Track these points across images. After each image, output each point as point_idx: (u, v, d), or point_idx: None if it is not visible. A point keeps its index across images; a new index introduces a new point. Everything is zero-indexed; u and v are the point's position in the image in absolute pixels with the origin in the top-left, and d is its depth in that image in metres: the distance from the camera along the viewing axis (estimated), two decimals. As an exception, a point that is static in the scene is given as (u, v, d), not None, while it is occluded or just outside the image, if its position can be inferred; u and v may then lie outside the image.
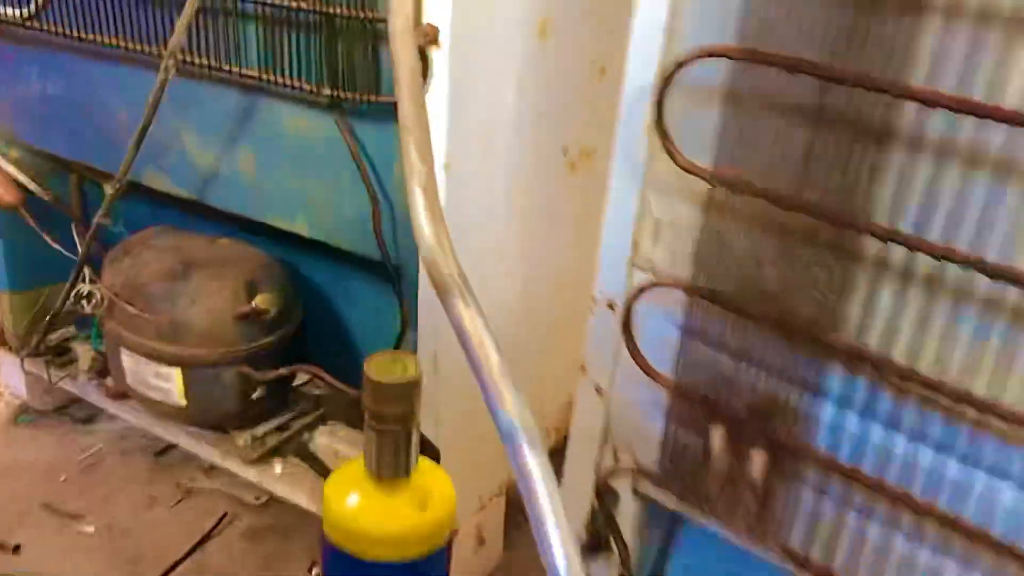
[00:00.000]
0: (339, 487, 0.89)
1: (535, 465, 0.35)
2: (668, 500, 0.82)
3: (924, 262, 0.63)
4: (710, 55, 0.66)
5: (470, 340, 0.36)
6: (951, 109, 0.59)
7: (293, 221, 1.22)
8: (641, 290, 0.76)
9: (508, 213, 1.19)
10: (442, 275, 0.38)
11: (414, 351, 1.17)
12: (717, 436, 0.74)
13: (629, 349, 0.78)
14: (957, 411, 0.64)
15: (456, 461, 1.19)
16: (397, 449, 0.85)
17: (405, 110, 0.47)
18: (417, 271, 1.13)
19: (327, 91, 1.05)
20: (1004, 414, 0.61)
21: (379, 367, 0.84)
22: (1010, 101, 0.57)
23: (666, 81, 0.69)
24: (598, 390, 0.86)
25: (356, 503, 0.87)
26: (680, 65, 0.68)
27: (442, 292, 0.38)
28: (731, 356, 0.73)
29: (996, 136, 0.59)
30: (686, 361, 0.76)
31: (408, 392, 0.83)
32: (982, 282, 0.61)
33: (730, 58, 0.66)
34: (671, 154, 0.70)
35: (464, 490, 1.32)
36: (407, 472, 0.86)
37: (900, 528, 0.68)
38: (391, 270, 1.14)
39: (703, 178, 0.69)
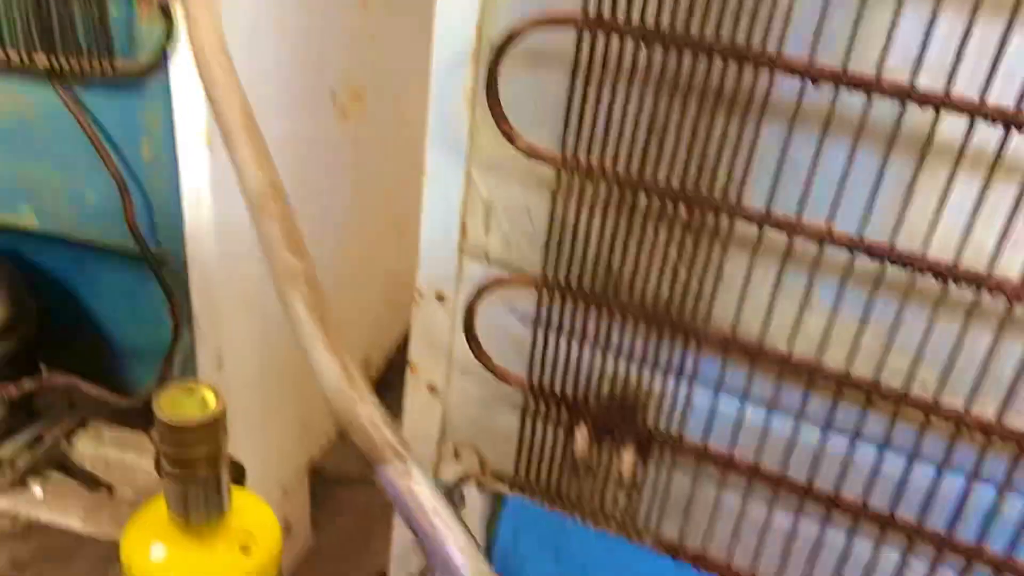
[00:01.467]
0: (140, 539, 0.75)
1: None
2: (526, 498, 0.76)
3: (777, 238, 0.59)
4: (551, 22, 0.57)
5: (426, 518, 0.26)
6: (803, 75, 0.54)
7: (17, 213, 1.01)
8: (482, 289, 0.67)
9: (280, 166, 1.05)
10: (372, 442, 0.28)
11: (193, 354, 1.02)
12: (580, 435, 0.68)
13: (472, 349, 0.70)
14: (820, 384, 0.61)
15: (252, 457, 1.08)
16: (207, 494, 0.73)
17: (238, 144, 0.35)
18: (183, 259, 0.98)
19: (42, 58, 0.86)
20: (860, 383, 0.60)
21: (172, 405, 0.70)
22: (865, 67, 0.54)
23: (499, 52, 0.59)
24: (431, 388, 0.77)
25: (165, 557, 0.74)
26: (512, 37, 0.59)
27: (374, 459, 0.28)
28: (587, 347, 0.67)
29: (852, 103, 0.55)
30: (537, 355, 0.69)
31: (214, 432, 0.71)
32: (836, 254, 0.58)
33: (574, 27, 0.57)
34: (510, 137, 0.61)
35: (265, 483, 1.22)
36: (221, 513, 0.75)
37: (780, 507, 0.67)
38: (151, 264, 0.98)
39: (547, 161, 0.61)
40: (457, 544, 0.27)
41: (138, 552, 0.74)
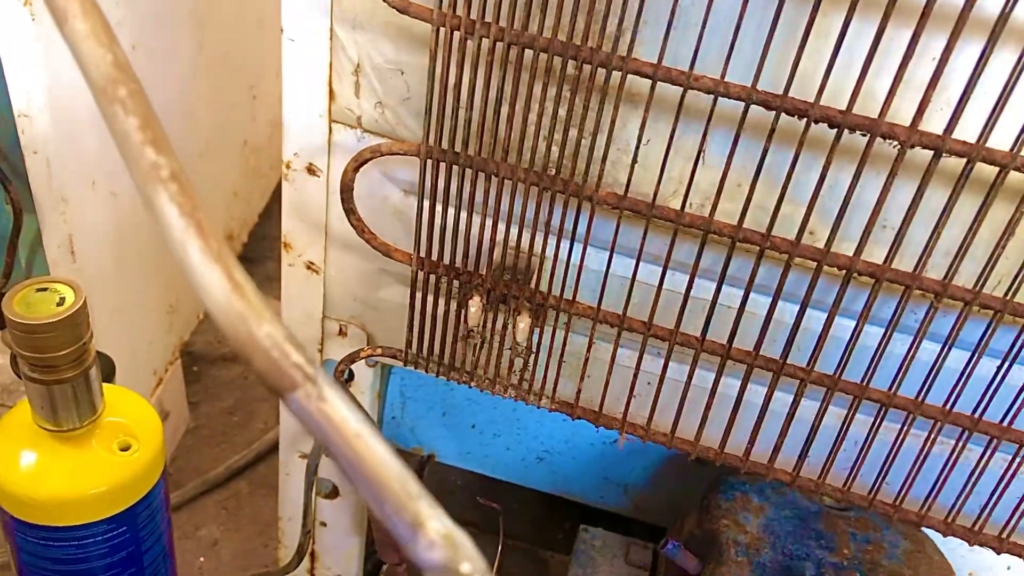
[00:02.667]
0: (7, 450, 0.70)
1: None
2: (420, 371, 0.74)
3: (669, 92, 0.57)
4: None
5: (347, 444, 0.23)
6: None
7: None
8: (357, 159, 0.62)
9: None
10: (275, 366, 0.24)
11: (40, 243, 0.94)
12: (473, 305, 0.66)
13: (352, 224, 0.66)
14: (713, 238, 0.61)
15: (120, 348, 1.02)
16: (76, 394, 0.68)
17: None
18: (15, 133, 0.88)
19: None
20: (753, 236, 0.60)
21: (24, 305, 0.65)
22: None
23: None
24: (310, 267, 0.73)
25: (37, 466, 0.70)
26: None
27: (280, 386, 0.24)
28: (476, 215, 0.64)
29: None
30: (423, 227, 0.65)
31: (75, 328, 0.65)
32: (727, 104, 0.56)
33: None
34: (382, -7, 0.55)
35: (137, 372, 1.16)
36: (93, 413, 0.70)
37: (676, 361, 0.67)
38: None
39: (422, 18, 0.55)
40: (384, 469, 0.24)
41: (6, 465, 0.70)
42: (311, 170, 0.68)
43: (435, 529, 0.23)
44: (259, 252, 1.56)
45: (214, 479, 1.27)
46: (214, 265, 0.27)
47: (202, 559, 1.20)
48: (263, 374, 0.24)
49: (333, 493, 0.93)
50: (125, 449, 0.71)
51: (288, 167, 0.69)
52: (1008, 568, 0.91)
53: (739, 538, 0.80)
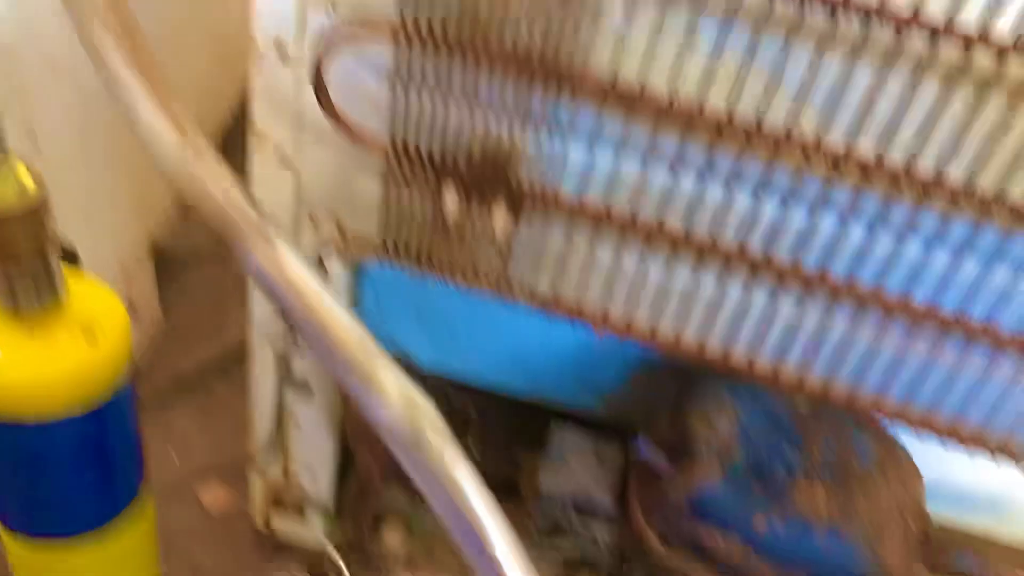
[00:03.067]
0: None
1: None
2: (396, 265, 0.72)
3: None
4: None
5: (301, 298, 0.22)
6: None
7: None
8: (329, 42, 0.59)
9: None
10: (228, 218, 0.22)
11: None
12: (449, 196, 0.64)
13: (327, 112, 0.63)
14: (699, 129, 0.59)
15: (85, 239, 1.00)
16: (36, 281, 0.67)
17: None
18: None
19: None
20: (741, 127, 0.58)
21: None
22: None
23: None
24: (281, 157, 0.70)
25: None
26: None
27: (232, 238, 0.22)
28: (453, 102, 0.61)
29: None
30: (398, 114, 0.63)
31: (38, 217, 0.63)
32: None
33: None
34: None
35: (102, 265, 1.14)
36: (56, 299, 0.68)
37: (654, 256, 0.66)
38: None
39: None
40: (340, 327, 0.23)
41: None
42: (282, 53, 0.65)
43: (393, 387, 0.22)
44: (233, 148, 1.52)
45: (187, 378, 1.26)
46: (165, 118, 0.25)
47: (175, 455, 1.20)
48: (215, 225, 0.23)
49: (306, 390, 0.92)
50: (88, 335, 0.70)
51: (258, 51, 0.66)
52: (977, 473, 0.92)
53: (711, 439, 0.80)
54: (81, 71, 0.96)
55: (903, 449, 0.84)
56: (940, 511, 0.86)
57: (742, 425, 0.82)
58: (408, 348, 0.96)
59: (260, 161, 0.72)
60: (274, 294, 0.23)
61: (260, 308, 0.87)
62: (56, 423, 0.70)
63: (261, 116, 0.70)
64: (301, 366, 0.87)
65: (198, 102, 1.41)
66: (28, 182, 0.64)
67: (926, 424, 0.71)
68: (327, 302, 0.23)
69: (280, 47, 0.66)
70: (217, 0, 1.37)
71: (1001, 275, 0.62)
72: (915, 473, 0.82)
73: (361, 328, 0.23)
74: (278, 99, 0.68)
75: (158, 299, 1.30)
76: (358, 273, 0.87)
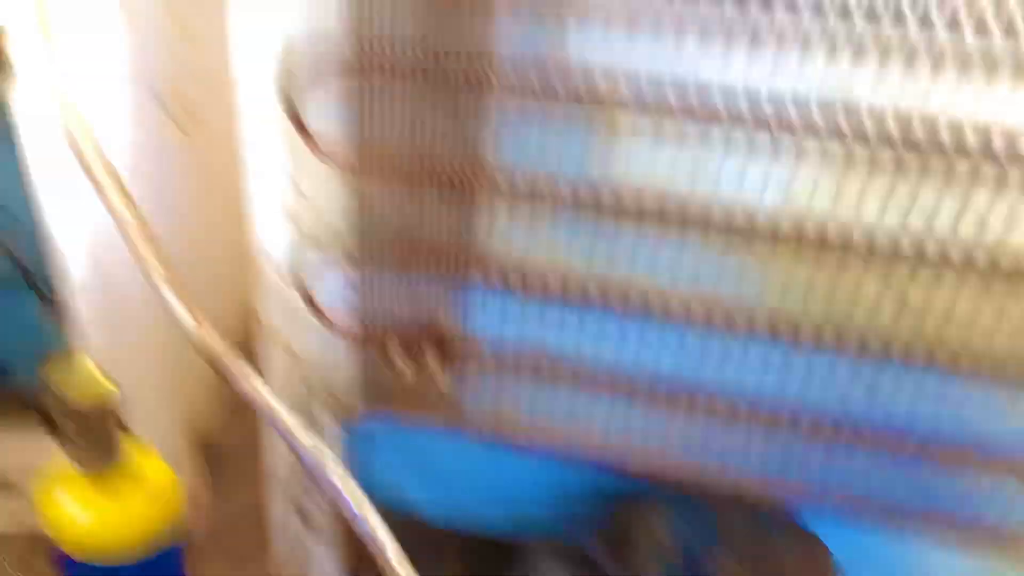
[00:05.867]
0: (51, 498, 0.88)
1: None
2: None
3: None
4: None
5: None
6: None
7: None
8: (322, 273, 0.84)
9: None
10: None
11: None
12: (397, 356, 0.85)
13: (319, 319, 0.87)
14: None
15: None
16: (103, 451, 0.86)
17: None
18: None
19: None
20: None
21: (65, 384, 0.81)
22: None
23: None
24: (293, 354, 0.93)
25: (76, 507, 0.86)
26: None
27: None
28: (399, 301, 0.85)
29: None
30: (364, 310, 0.86)
31: (111, 407, 0.83)
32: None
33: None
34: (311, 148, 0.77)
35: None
36: (119, 464, 0.87)
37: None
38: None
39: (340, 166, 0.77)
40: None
41: (52, 509, 0.87)
42: (284, 279, 0.89)
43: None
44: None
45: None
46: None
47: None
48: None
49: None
50: (140, 487, 0.88)
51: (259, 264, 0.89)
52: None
53: (651, 542, 0.93)
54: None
55: (825, 549, 0.94)
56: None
57: (675, 529, 0.94)
58: (405, 498, 1.09)
59: (274, 358, 0.93)
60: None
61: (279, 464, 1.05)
62: (122, 566, 0.87)
63: (272, 323, 0.91)
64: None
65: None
66: (102, 381, 0.83)
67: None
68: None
69: (282, 272, 0.88)
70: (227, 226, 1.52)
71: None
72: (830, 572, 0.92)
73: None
74: (283, 311, 0.90)
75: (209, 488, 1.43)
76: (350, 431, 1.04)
